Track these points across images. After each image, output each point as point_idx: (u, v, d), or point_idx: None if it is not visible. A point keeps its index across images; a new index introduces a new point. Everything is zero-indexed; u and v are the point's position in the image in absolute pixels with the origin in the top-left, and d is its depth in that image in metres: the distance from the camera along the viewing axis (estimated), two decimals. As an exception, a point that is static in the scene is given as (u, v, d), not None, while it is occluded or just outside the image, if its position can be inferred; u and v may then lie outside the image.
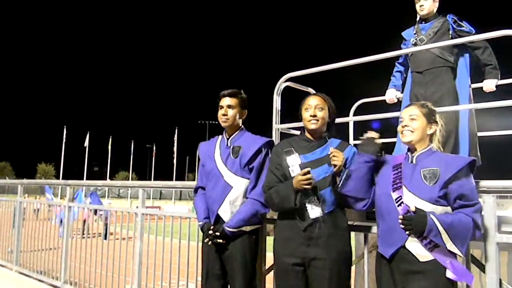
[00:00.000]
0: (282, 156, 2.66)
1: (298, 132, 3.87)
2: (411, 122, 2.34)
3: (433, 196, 2.17)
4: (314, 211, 2.51)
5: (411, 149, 2.37)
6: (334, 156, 2.46)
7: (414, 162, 2.32)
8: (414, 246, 2.18)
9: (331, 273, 2.46)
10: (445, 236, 2.08)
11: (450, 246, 2.09)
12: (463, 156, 2.87)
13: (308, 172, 2.42)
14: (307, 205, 2.53)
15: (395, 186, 2.29)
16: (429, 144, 2.35)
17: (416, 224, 2.10)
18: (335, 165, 2.46)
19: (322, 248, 2.48)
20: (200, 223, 3.01)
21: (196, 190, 3.16)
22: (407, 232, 2.15)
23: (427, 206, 2.16)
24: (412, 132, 2.33)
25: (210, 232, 2.88)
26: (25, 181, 6.98)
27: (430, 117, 2.35)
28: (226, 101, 3.01)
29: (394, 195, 2.27)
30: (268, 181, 2.71)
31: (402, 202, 2.23)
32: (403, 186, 2.27)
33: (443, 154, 2.34)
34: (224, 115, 2.99)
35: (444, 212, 2.16)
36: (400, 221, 2.15)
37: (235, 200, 2.89)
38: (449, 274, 2.11)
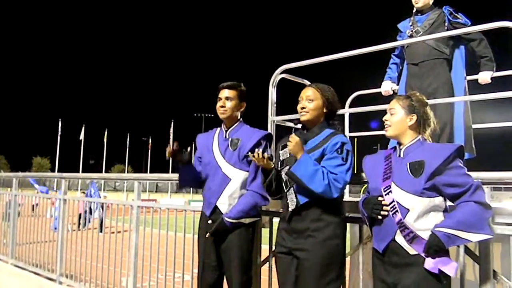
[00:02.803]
0: (278, 150, 2.78)
1: (292, 124, 3.90)
2: (390, 117, 2.34)
3: (418, 188, 2.15)
4: (292, 203, 2.58)
5: (399, 143, 2.36)
6: (289, 141, 2.52)
7: (401, 155, 2.32)
8: (403, 240, 2.18)
9: (313, 265, 2.47)
10: (463, 234, 2.05)
11: (475, 237, 2.06)
12: (450, 144, 2.84)
13: (258, 153, 2.60)
14: (288, 196, 2.60)
15: (385, 176, 2.30)
16: (417, 135, 2.32)
17: (436, 247, 2.06)
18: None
19: (305, 240, 2.52)
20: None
21: None
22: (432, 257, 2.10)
23: (413, 199, 2.16)
24: (390, 126, 2.33)
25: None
26: (20, 174, 6.96)
27: (409, 108, 2.32)
28: (224, 93, 3.01)
29: (383, 185, 2.27)
30: None
31: (390, 192, 2.23)
32: (391, 179, 2.26)
33: (431, 144, 2.31)
34: (222, 106, 2.99)
35: (432, 205, 2.16)
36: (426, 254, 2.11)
37: (233, 193, 2.90)
38: (429, 264, 2.09)
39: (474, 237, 2.06)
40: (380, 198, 2.25)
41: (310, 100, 2.64)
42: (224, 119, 3.03)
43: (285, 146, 2.71)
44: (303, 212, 2.54)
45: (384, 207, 2.22)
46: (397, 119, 2.32)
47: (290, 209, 2.57)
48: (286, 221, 2.62)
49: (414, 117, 2.32)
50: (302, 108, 2.64)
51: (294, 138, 2.50)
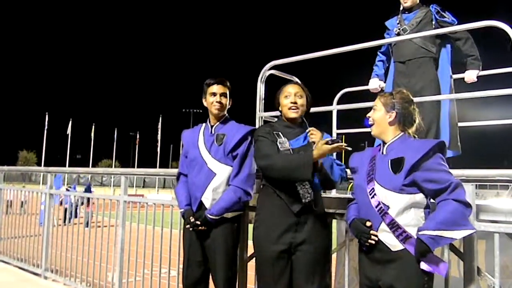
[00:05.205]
0: (273, 136, 2.64)
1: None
2: (373, 113, 2.36)
3: (397, 185, 2.15)
4: (305, 194, 2.50)
5: (383, 140, 2.36)
6: (311, 134, 2.55)
7: (385, 152, 2.31)
8: (386, 236, 2.18)
9: (316, 256, 2.51)
10: (446, 233, 2.03)
11: (458, 234, 2.04)
12: (431, 140, 2.83)
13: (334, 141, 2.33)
14: (298, 188, 2.51)
15: (368, 178, 2.29)
16: (400, 132, 2.32)
17: (422, 252, 2.06)
18: (313, 142, 2.52)
19: (309, 232, 2.52)
20: (181, 210, 3.00)
21: (178, 177, 3.15)
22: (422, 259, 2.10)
23: (393, 196, 2.16)
24: (373, 124, 2.35)
25: (192, 219, 2.88)
26: (5, 167, 6.87)
27: (389, 105, 2.31)
28: (220, 88, 2.99)
29: (368, 188, 2.27)
30: (268, 149, 2.59)
31: (375, 194, 2.22)
32: (374, 179, 2.26)
33: (413, 141, 2.29)
34: (219, 102, 2.98)
35: (413, 202, 2.14)
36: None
37: (218, 187, 2.90)
38: (423, 265, 2.09)
39: (458, 234, 2.04)
40: (368, 224, 2.24)
41: (300, 96, 2.67)
42: (218, 115, 3.02)
43: (278, 134, 2.63)
44: (312, 204, 2.53)
45: (372, 237, 2.21)
46: (377, 116, 2.33)
47: (305, 201, 2.49)
48: (293, 214, 2.52)
49: (393, 114, 2.30)
50: (294, 103, 2.64)
51: (317, 131, 2.57)
